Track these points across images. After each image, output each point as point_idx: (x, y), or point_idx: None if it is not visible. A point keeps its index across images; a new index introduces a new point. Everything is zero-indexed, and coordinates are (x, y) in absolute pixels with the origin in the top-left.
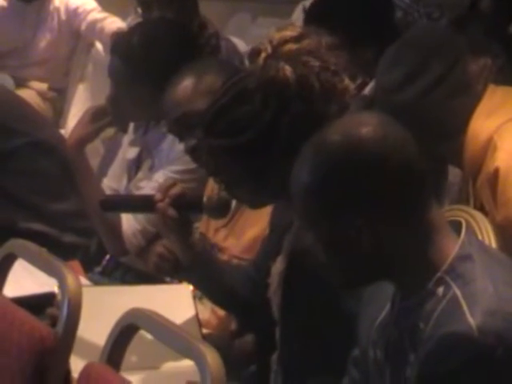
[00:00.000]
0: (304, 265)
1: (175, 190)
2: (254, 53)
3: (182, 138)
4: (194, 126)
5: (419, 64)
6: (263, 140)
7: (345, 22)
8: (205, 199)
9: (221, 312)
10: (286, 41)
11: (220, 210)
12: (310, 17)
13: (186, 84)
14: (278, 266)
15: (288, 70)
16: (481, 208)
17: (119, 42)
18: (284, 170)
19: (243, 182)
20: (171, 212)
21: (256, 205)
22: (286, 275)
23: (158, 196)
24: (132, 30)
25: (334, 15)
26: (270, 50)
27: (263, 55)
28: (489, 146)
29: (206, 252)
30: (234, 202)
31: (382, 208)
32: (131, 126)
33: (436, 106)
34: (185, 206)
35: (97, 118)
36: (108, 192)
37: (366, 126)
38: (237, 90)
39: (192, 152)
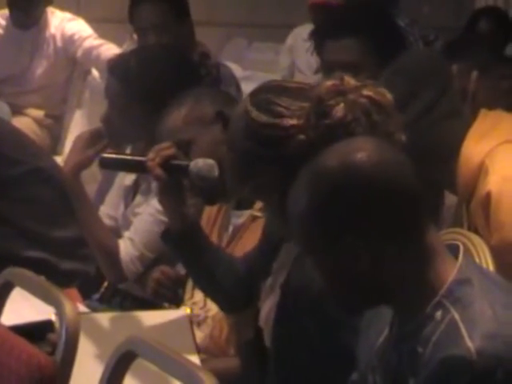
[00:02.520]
0: (297, 301)
1: (166, 152)
2: (336, 76)
3: None
4: (187, 153)
5: (409, 91)
6: (279, 138)
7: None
8: (191, 163)
9: (219, 338)
10: (367, 97)
11: (204, 174)
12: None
13: (180, 111)
14: (269, 296)
15: (341, 107)
16: (475, 232)
17: (117, 65)
18: (271, 178)
19: (239, 160)
20: (158, 171)
21: (231, 193)
22: (279, 308)
23: (150, 155)
24: (131, 54)
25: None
26: (348, 87)
27: (336, 83)
28: (481, 170)
29: (196, 226)
30: (217, 169)
31: (380, 233)
32: (128, 152)
33: (427, 132)
34: (173, 169)
35: (91, 143)
36: (105, 220)
37: (361, 151)
38: (296, 86)
39: None
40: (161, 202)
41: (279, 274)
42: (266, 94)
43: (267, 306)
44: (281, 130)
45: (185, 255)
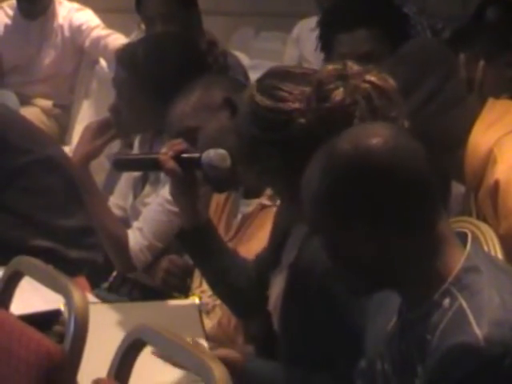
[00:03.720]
0: (306, 281)
1: (178, 146)
2: (340, 62)
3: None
4: (195, 140)
5: (412, 80)
6: (281, 121)
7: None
8: (203, 154)
9: (228, 326)
10: (368, 81)
11: (216, 164)
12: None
13: (189, 98)
14: (277, 281)
15: (340, 91)
16: (484, 221)
17: (125, 53)
18: (275, 161)
19: (244, 145)
20: (171, 164)
21: (242, 179)
22: (287, 290)
23: (163, 150)
24: (138, 42)
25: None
26: (350, 72)
27: (338, 68)
28: (489, 159)
29: (210, 224)
30: (228, 158)
31: (390, 218)
32: (136, 142)
33: (431, 120)
34: (186, 161)
35: (100, 133)
36: (114, 210)
37: (377, 136)
38: (299, 72)
39: None
40: (175, 198)
41: (288, 255)
42: (270, 80)
43: (276, 291)
44: (283, 113)
45: (200, 254)
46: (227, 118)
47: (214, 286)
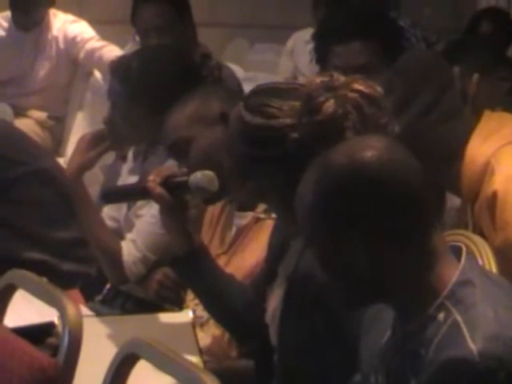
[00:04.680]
0: (304, 290)
1: (165, 172)
2: (326, 73)
3: (180, 163)
4: (188, 152)
5: (409, 92)
6: (274, 138)
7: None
8: (191, 177)
9: (222, 339)
10: (357, 91)
11: (204, 185)
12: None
13: (186, 109)
14: (275, 294)
15: (331, 103)
16: (480, 234)
17: (119, 65)
18: (271, 178)
19: (237, 164)
20: (159, 190)
21: (236, 197)
22: (285, 301)
23: (151, 178)
24: (132, 55)
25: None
26: (338, 83)
27: (326, 80)
28: (486, 171)
29: (203, 248)
30: (216, 180)
31: (383, 232)
32: (130, 154)
33: (427, 133)
34: (174, 186)
35: (94, 145)
36: (108, 221)
37: (371, 149)
38: (286, 87)
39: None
40: (165, 224)
41: (286, 268)
42: (257, 97)
43: (273, 304)
44: (275, 130)
45: (194, 279)
46: (222, 131)
47: (210, 309)
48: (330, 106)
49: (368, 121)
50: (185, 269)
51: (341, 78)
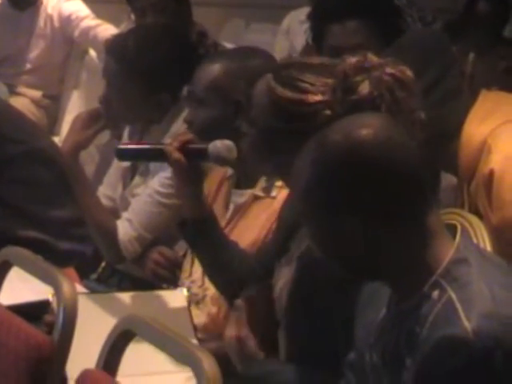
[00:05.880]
0: (315, 270)
1: (184, 137)
2: (358, 54)
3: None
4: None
5: (413, 70)
6: (305, 113)
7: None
8: (210, 145)
9: (217, 316)
10: (390, 74)
11: (224, 155)
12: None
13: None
14: (285, 272)
15: (366, 84)
16: (476, 213)
17: (115, 44)
18: (295, 153)
19: (261, 135)
20: (177, 155)
21: (253, 167)
22: (296, 280)
23: (169, 141)
24: (128, 33)
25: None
26: (371, 65)
27: (359, 60)
28: (483, 150)
29: (213, 215)
30: (235, 150)
31: (379, 209)
32: (126, 133)
33: (430, 111)
34: (192, 153)
35: (90, 124)
36: (103, 200)
37: (367, 127)
38: (319, 62)
39: (188, 128)
40: (179, 189)
41: (298, 246)
42: (289, 71)
43: (282, 281)
44: (307, 105)
45: (200, 246)
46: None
47: (212, 277)
48: (365, 86)
49: (400, 104)
50: (191, 234)
51: (374, 60)
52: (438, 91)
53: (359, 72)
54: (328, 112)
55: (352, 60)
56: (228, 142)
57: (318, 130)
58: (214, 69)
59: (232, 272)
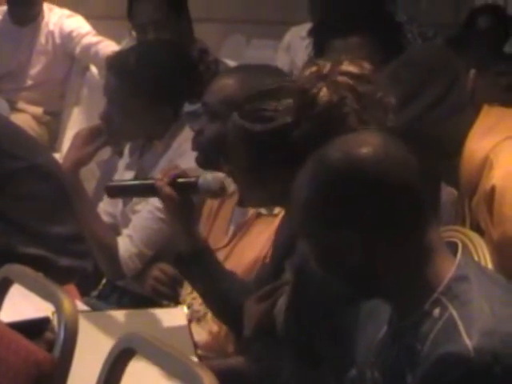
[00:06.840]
0: (310, 286)
1: (174, 171)
2: (312, 64)
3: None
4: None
5: (418, 84)
6: (278, 139)
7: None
8: (200, 179)
9: (219, 334)
10: (345, 73)
11: (214, 189)
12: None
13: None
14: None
15: (324, 92)
16: (477, 228)
17: (116, 61)
18: (284, 178)
19: (247, 172)
20: (167, 190)
21: (246, 201)
22: (293, 293)
23: (159, 176)
24: (129, 50)
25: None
26: (326, 71)
27: (314, 70)
28: (485, 165)
29: (207, 248)
30: (229, 183)
31: (378, 227)
32: (126, 149)
33: (434, 125)
34: (182, 186)
35: (91, 140)
36: (104, 217)
37: (367, 145)
38: (276, 87)
39: (196, 135)
40: (171, 224)
41: (293, 263)
42: (251, 104)
43: (282, 298)
44: (277, 132)
45: (198, 279)
46: None
47: (210, 306)
48: (324, 95)
49: (365, 99)
50: (188, 268)
51: (327, 65)
52: (441, 107)
53: (316, 81)
54: (298, 132)
55: (306, 73)
56: (219, 175)
57: (297, 153)
58: (229, 83)
59: (231, 301)
